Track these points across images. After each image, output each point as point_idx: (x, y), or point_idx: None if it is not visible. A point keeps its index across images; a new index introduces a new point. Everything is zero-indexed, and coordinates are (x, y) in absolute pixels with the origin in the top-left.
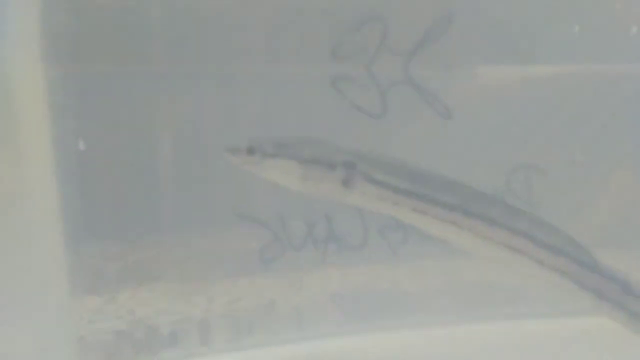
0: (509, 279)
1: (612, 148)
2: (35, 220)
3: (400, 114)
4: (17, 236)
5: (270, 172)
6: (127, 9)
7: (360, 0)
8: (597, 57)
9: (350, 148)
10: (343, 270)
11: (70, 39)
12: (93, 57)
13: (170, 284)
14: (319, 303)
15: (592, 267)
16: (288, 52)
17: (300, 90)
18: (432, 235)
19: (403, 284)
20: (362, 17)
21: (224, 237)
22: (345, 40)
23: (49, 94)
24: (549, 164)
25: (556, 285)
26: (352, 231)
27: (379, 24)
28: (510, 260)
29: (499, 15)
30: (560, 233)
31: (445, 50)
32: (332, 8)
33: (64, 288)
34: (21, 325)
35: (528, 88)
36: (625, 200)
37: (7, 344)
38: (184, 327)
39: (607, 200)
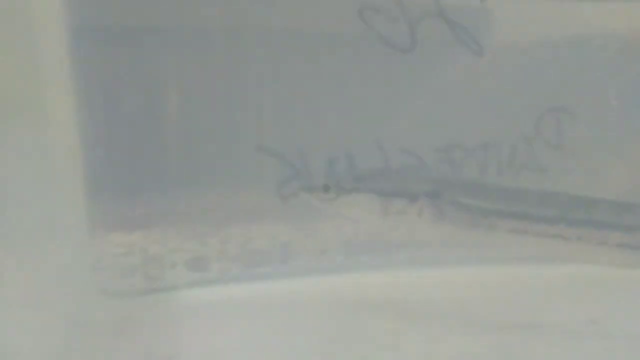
0: None
1: None
2: (58, 166)
3: (430, 49)
4: (40, 179)
5: (348, 208)
6: None
7: None
8: None
9: (433, 175)
10: None
11: None
12: (113, 11)
13: (184, 226)
14: (333, 244)
15: None
16: None
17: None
18: (537, 254)
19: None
20: None
21: (242, 175)
22: None
23: (71, 46)
24: (581, 107)
25: None
26: (374, 169)
27: None
28: (629, 261)
29: None
30: None
31: None
32: None
33: (83, 227)
34: (44, 258)
35: (565, 26)
36: None
37: (30, 273)
38: (198, 262)
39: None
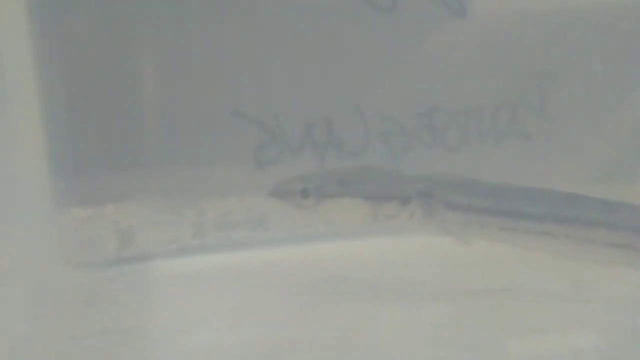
0: None
1: (635, 62)
2: (21, 141)
3: (411, 9)
4: (3, 153)
5: (331, 214)
6: None
7: None
8: None
9: (420, 174)
10: None
11: None
12: None
13: (159, 199)
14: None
15: None
16: None
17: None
18: (528, 250)
19: None
20: None
21: (217, 139)
22: None
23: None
24: (565, 73)
25: None
26: (353, 135)
27: None
28: (615, 259)
29: None
30: None
31: None
32: None
33: (47, 199)
34: (8, 232)
35: None
36: None
37: None
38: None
39: (623, 116)
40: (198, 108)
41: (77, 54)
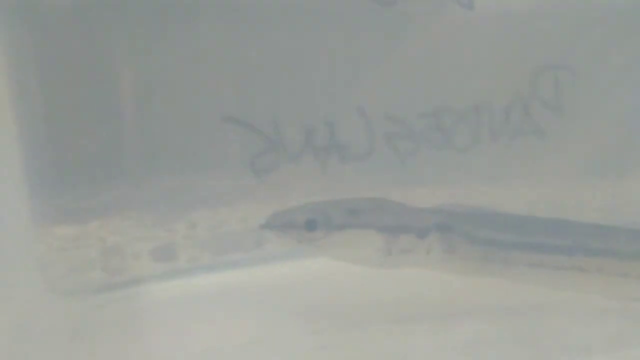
0: None
1: None
2: None
3: (415, 1)
4: None
5: (340, 249)
6: None
7: None
8: None
9: (436, 206)
10: (345, 183)
11: None
12: None
13: (146, 213)
14: None
15: None
16: None
17: None
18: (556, 288)
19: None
20: None
21: (208, 152)
22: None
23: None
24: (580, 64)
25: None
26: (357, 138)
27: None
28: None
29: None
30: None
31: None
32: None
33: (25, 218)
34: None
35: None
36: None
37: None
38: (164, 250)
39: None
40: (187, 115)
41: (54, 66)
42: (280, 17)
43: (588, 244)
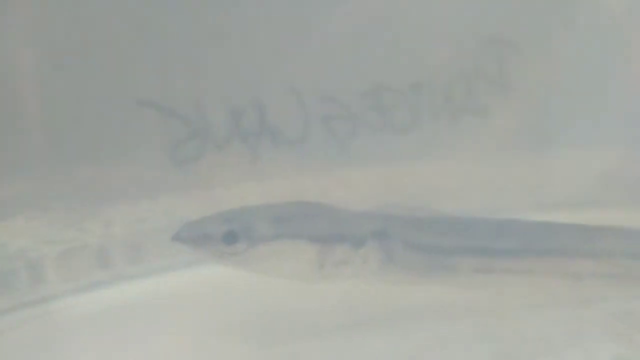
0: None
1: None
2: None
3: None
4: None
5: (266, 262)
6: None
7: None
8: None
9: (372, 209)
10: (279, 171)
11: None
12: None
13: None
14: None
15: None
16: None
17: None
18: (510, 294)
19: (353, 188)
20: None
21: (122, 140)
22: None
23: None
24: (523, 39)
25: None
26: (290, 121)
27: None
28: (609, 289)
29: None
30: None
31: None
32: None
33: None
34: None
35: None
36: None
37: None
38: (76, 255)
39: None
40: (97, 98)
41: None
42: None
43: (538, 244)
